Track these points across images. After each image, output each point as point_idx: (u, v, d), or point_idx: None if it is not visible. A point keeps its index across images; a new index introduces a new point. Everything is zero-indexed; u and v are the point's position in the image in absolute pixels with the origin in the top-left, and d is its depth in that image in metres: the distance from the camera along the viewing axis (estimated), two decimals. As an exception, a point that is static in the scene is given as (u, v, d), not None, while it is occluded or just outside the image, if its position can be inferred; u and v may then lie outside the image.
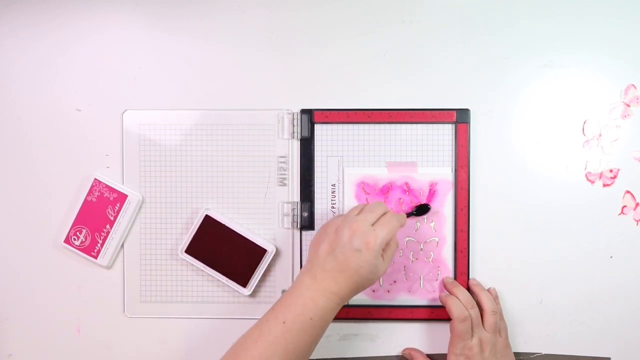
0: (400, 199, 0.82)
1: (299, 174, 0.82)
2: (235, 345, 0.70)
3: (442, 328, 0.81)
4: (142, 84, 0.82)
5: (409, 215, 0.80)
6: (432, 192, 0.81)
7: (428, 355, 0.81)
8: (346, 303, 0.72)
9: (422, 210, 0.81)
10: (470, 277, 0.81)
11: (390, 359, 0.82)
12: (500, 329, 0.77)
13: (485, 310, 0.77)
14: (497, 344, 0.76)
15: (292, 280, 0.82)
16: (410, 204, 0.82)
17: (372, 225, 0.71)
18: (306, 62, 0.82)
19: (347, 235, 0.70)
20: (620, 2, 0.81)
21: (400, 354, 0.82)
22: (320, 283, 0.70)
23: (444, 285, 0.81)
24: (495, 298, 0.80)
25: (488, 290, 0.80)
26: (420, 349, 0.82)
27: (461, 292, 0.78)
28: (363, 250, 0.69)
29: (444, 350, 0.82)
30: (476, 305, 0.77)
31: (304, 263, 0.82)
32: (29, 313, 0.83)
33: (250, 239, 0.80)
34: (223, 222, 0.81)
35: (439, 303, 0.81)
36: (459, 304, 0.77)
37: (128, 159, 0.82)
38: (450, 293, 0.79)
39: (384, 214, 0.73)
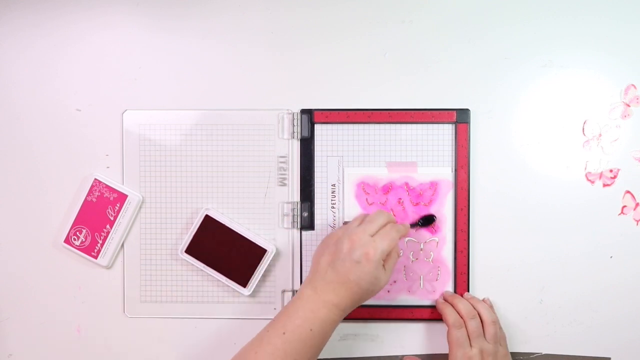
0: (400, 198, 0.82)
1: (299, 174, 0.82)
2: (236, 355, 0.71)
3: (442, 328, 0.81)
4: (142, 84, 0.83)
5: (413, 225, 0.80)
6: (432, 192, 0.82)
7: (428, 355, 0.81)
8: (347, 315, 0.72)
9: (427, 221, 0.81)
10: (469, 279, 0.81)
11: (390, 359, 0.82)
12: (500, 339, 0.77)
13: (485, 321, 0.77)
14: (497, 354, 0.76)
15: (292, 281, 0.82)
16: (410, 203, 0.82)
17: (372, 236, 0.72)
18: (306, 62, 0.82)
19: (347, 247, 0.70)
20: (620, 2, 0.81)
21: (401, 356, 0.82)
22: (320, 295, 0.70)
23: (444, 298, 0.81)
24: (491, 308, 0.80)
25: (483, 300, 0.80)
26: (420, 349, 0.82)
27: (461, 302, 0.78)
28: (362, 261, 0.70)
29: (444, 350, 0.82)
30: (477, 316, 0.77)
31: (304, 263, 0.82)
32: (29, 313, 0.83)
33: (251, 239, 0.80)
34: (223, 222, 0.81)
35: (439, 303, 0.82)
36: (453, 311, 0.77)
37: (128, 159, 0.82)
38: (451, 304, 0.79)
39: (386, 224, 0.73)
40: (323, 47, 0.82)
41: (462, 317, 0.77)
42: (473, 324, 0.76)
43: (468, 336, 0.76)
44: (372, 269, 0.70)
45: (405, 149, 0.82)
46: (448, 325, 0.76)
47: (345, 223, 0.81)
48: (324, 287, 0.70)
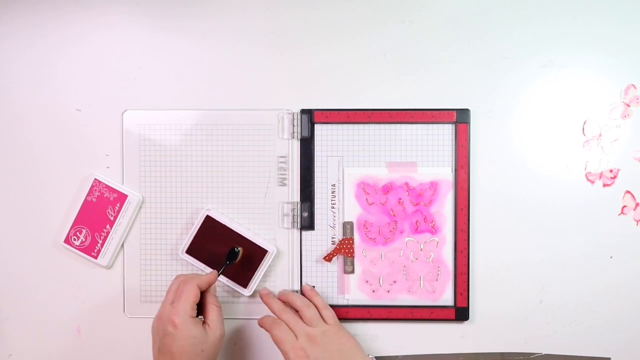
0: (400, 198, 0.82)
1: (299, 174, 0.82)
2: None
3: (442, 328, 0.81)
4: (142, 84, 0.82)
5: (222, 267, 0.78)
6: (432, 192, 0.82)
7: (428, 355, 0.81)
8: None
9: (230, 256, 0.79)
10: (469, 279, 0.81)
11: (390, 359, 0.82)
12: (326, 317, 0.77)
13: (299, 308, 0.77)
14: (327, 332, 0.75)
15: (292, 281, 0.82)
16: (410, 203, 0.82)
17: (172, 303, 0.72)
18: (306, 62, 0.82)
19: (157, 326, 0.72)
20: (620, 2, 0.81)
21: (401, 356, 0.82)
22: None
23: (260, 297, 0.80)
24: (311, 290, 0.79)
25: (302, 287, 0.80)
26: (420, 349, 0.82)
27: (274, 303, 0.78)
28: (172, 331, 0.70)
29: (443, 350, 0.82)
30: (289, 310, 0.77)
31: (304, 264, 0.82)
32: (29, 313, 0.83)
33: (252, 240, 0.80)
34: (224, 223, 0.81)
35: (439, 303, 0.81)
36: (268, 316, 0.77)
37: (128, 159, 0.82)
38: (265, 304, 0.79)
39: (179, 285, 0.73)
40: (323, 47, 0.82)
41: (277, 316, 0.77)
42: (286, 317, 0.76)
43: (292, 330, 0.75)
44: (185, 333, 0.70)
45: (405, 149, 0.82)
46: (268, 331, 0.76)
47: (345, 224, 0.82)
48: None
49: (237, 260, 0.79)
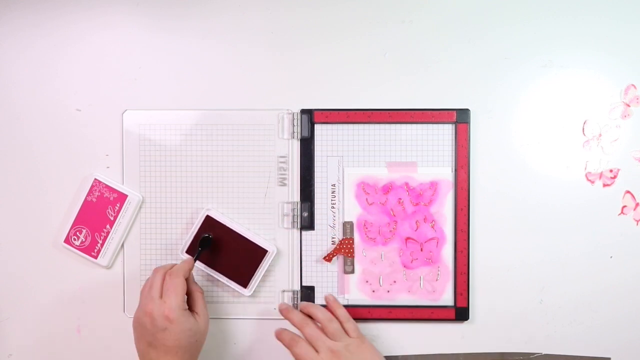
0: (400, 198, 0.82)
1: (299, 174, 0.82)
2: None
3: (442, 328, 0.81)
4: (142, 84, 0.82)
5: (197, 256, 0.78)
6: (432, 192, 0.82)
7: (428, 355, 0.81)
8: None
9: (204, 242, 0.79)
10: (469, 279, 0.81)
11: (390, 359, 0.82)
12: (348, 330, 0.76)
13: (321, 321, 0.76)
14: (350, 345, 0.74)
15: (292, 281, 0.82)
16: (410, 203, 0.82)
17: (161, 297, 0.72)
18: (306, 62, 0.82)
19: (148, 321, 0.71)
20: (620, 2, 0.81)
21: (402, 356, 0.82)
22: None
23: (280, 312, 0.79)
24: (334, 302, 0.79)
25: (325, 298, 0.79)
26: (420, 349, 0.82)
27: (295, 315, 0.77)
28: (167, 326, 0.70)
29: (443, 350, 0.82)
30: (310, 323, 0.76)
31: (304, 263, 0.82)
32: (29, 313, 0.83)
33: (252, 240, 0.80)
34: (224, 223, 0.81)
35: (439, 303, 0.81)
36: (287, 330, 0.77)
37: (128, 159, 0.82)
38: (286, 318, 0.78)
39: (164, 278, 0.73)
40: (323, 47, 0.82)
41: (299, 328, 0.76)
42: (308, 331, 0.75)
43: (313, 344, 0.74)
44: (180, 326, 0.71)
45: (405, 149, 0.82)
46: (287, 348, 0.75)
47: (345, 224, 0.82)
48: None
49: (209, 247, 0.79)
